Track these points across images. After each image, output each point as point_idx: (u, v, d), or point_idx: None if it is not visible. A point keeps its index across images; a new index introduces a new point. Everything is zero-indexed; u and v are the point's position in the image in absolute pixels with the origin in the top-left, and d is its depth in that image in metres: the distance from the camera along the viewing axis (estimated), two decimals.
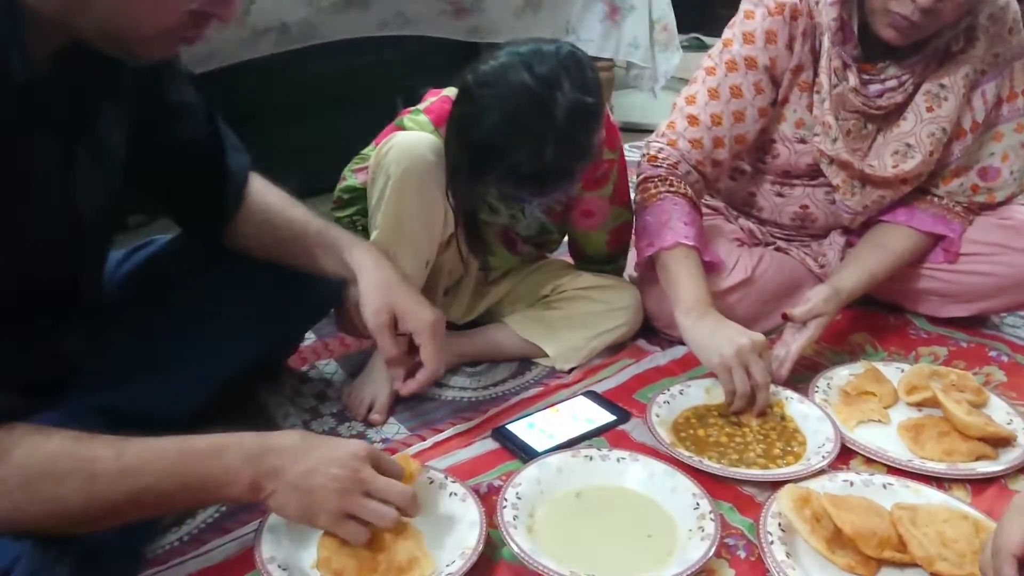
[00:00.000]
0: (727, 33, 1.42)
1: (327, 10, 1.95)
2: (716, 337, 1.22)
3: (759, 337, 1.22)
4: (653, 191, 1.39)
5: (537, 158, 1.14)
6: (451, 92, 1.31)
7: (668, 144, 1.42)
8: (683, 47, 2.90)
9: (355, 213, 1.45)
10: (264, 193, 1.15)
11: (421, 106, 1.35)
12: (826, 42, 1.35)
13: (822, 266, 1.54)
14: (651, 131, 1.49)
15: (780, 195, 1.52)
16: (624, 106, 3.00)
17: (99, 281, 1.07)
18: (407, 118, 1.34)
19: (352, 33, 2.04)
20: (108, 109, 0.91)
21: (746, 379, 1.20)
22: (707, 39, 4.29)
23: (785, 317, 1.35)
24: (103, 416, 1.01)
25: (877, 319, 1.56)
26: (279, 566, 0.92)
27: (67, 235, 0.90)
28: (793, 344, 1.32)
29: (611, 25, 2.49)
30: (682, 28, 2.83)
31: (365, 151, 1.42)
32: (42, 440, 0.78)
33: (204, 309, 1.11)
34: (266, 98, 2.05)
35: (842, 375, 1.33)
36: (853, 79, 1.35)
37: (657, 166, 1.41)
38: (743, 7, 1.41)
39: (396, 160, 1.23)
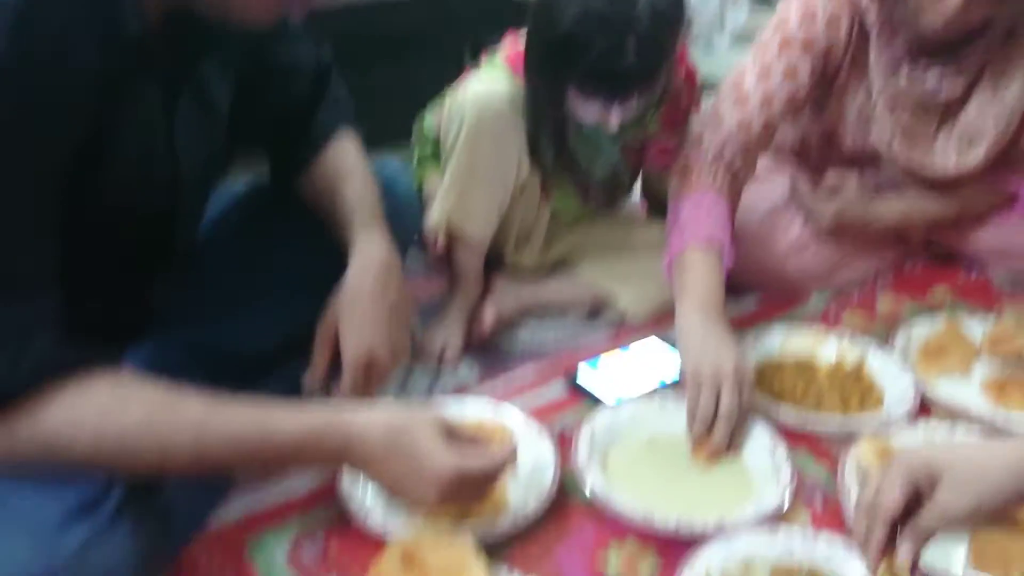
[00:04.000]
0: (783, 10, 1.32)
1: None
2: (703, 347, 1.09)
3: (746, 368, 1.08)
4: (690, 180, 1.29)
5: (617, 54, 1.13)
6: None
7: (712, 125, 1.32)
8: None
9: (426, 153, 1.47)
10: (343, 156, 1.11)
11: (499, 52, 1.34)
12: (874, 36, 1.29)
13: None
14: (713, 87, 1.44)
15: None
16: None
17: (194, 233, 1.09)
18: (484, 65, 1.33)
19: None
20: (213, 66, 0.92)
21: (711, 404, 1.04)
22: None
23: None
24: (192, 350, 1.05)
25: (959, 274, 1.52)
26: (359, 494, 0.95)
27: (167, 184, 0.92)
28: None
29: None
30: None
31: (447, 94, 1.42)
32: (119, 409, 0.74)
33: (285, 250, 1.12)
34: (335, 46, 2.06)
35: (922, 329, 1.30)
36: (906, 72, 1.29)
37: (698, 153, 1.31)
38: None
39: (471, 107, 1.23)
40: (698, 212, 1.25)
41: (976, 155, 1.32)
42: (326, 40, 1.14)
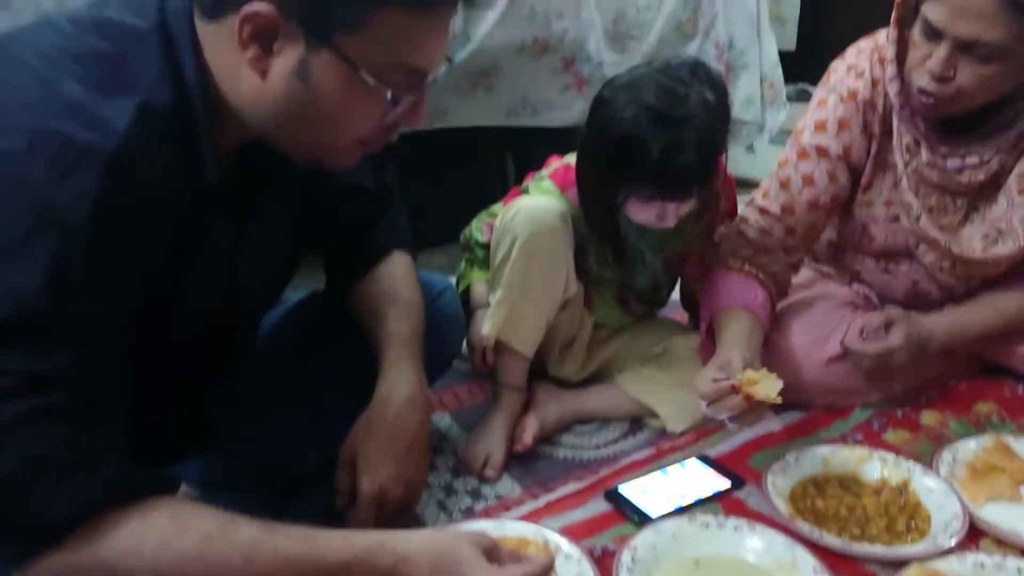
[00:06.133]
0: (799, 123, 1.41)
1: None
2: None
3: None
4: (720, 265, 1.39)
5: (676, 151, 1.17)
6: (572, 159, 1.36)
7: (740, 225, 1.41)
8: (789, 98, 2.88)
9: (473, 258, 1.52)
10: (391, 280, 1.14)
11: (545, 172, 1.40)
12: (895, 119, 1.32)
13: None
14: (755, 185, 1.48)
15: (887, 272, 1.48)
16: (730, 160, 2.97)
17: (249, 351, 1.13)
18: (532, 184, 1.39)
19: (482, 120, 2.01)
20: (278, 194, 0.97)
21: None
22: (813, 89, 4.22)
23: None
24: (244, 465, 1.08)
25: (1004, 388, 1.50)
26: None
27: (229, 312, 0.97)
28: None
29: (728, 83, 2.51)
30: (789, 78, 2.81)
31: (493, 208, 1.47)
32: (176, 535, 0.77)
33: (335, 366, 1.15)
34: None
35: (968, 448, 1.28)
36: (925, 154, 1.32)
37: (726, 248, 1.41)
38: (816, 95, 1.40)
39: (524, 224, 1.27)
40: (729, 284, 1.34)
41: (1003, 250, 1.33)
42: (389, 161, 1.17)
